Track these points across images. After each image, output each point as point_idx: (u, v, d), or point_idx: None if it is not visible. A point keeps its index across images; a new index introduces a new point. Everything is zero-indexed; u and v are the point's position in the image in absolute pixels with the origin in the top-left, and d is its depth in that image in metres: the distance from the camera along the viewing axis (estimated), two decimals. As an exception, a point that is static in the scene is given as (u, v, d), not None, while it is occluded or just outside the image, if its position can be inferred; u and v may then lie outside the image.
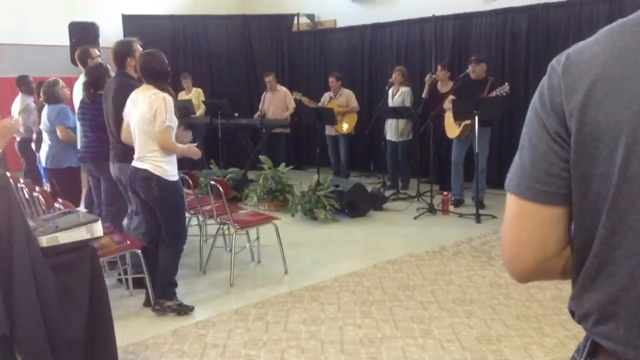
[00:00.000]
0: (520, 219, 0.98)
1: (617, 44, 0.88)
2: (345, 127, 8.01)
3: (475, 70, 6.41)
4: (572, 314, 1.00)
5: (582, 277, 0.95)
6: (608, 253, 0.90)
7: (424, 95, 7.30)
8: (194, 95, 8.92)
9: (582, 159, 0.89)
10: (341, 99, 8.09)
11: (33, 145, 6.27)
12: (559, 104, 0.91)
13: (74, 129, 4.99)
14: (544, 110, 0.93)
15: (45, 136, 5.21)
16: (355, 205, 6.41)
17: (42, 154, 5.30)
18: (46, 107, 5.20)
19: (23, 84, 6.82)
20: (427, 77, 7.37)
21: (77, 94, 4.89)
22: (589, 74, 0.88)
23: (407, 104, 7.43)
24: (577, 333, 3.38)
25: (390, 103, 7.50)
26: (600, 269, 0.91)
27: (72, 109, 5.10)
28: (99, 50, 5.40)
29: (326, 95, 8.25)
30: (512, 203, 0.99)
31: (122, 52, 4.08)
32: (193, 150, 3.91)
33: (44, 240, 2.55)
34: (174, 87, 4.01)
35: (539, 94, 0.95)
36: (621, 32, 0.89)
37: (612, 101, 0.85)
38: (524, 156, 0.97)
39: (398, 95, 7.50)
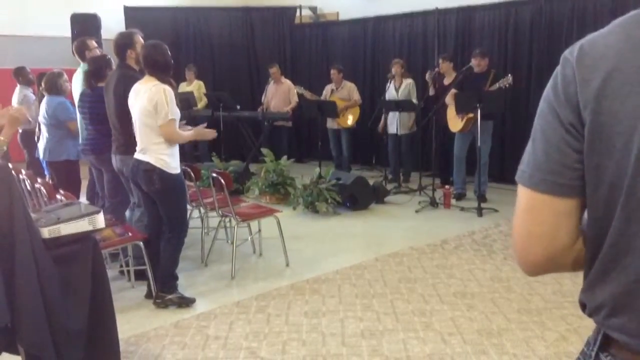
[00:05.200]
0: (533, 211, 0.96)
1: (631, 35, 0.87)
2: (349, 120, 7.98)
3: (480, 64, 6.39)
4: (583, 306, 0.98)
5: (595, 269, 0.94)
6: (623, 244, 0.88)
7: (430, 93, 7.23)
8: (195, 87, 8.88)
9: (596, 149, 0.88)
10: (343, 92, 8.05)
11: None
12: (574, 95, 0.90)
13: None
14: (558, 100, 0.92)
15: (43, 128, 5.17)
16: (356, 199, 6.41)
17: (40, 147, 5.27)
18: (45, 98, 5.16)
19: (21, 75, 6.77)
20: (427, 75, 7.32)
21: (76, 87, 4.87)
22: (603, 64, 0.87)
23: (413, 96, 7.40)
24: (578, 327, 3.38)
25: (396, 96, 7.47)
26: (614, 261, 0.90)
27: (72, 103, 5.08)
28: (99, 42, 5.38)
29: (327, 88, 8.20)
30: (523, 195, 0.97)
31: (123, 44, 4.07)
32: (203, 132, 3.89)
33: (46, 232, 2.55)
34: (176, 79, 3.98)
35: (553, 85, 0.94)
36: (635, 23, 0.88)
37: (628, 92, 0.84)
38: (536, 147, 0.95)
39: (403, 88, 7.47)
